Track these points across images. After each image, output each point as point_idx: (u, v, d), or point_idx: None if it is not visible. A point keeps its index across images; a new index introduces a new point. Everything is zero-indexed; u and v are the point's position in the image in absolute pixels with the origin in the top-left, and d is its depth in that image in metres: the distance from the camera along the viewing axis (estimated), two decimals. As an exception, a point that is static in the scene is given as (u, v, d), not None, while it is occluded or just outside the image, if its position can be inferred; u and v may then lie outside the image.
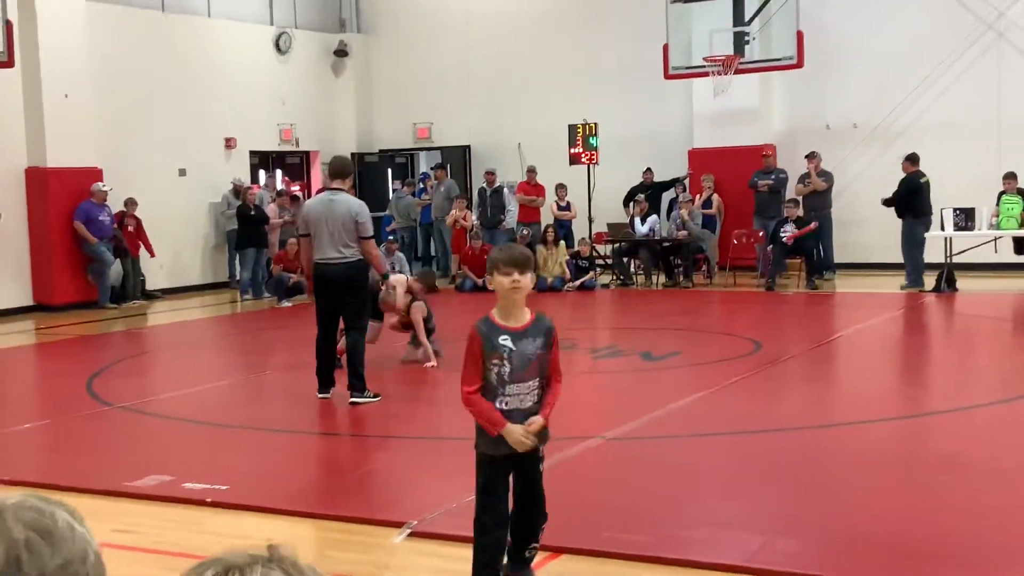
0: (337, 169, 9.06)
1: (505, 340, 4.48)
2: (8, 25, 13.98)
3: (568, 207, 18.98)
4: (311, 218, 8.90)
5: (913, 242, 15.78)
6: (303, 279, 16.66)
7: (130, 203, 17.35)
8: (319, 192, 9.61)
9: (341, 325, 9.24)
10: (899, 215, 15.95)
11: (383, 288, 10.25)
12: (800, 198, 17.22)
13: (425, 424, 8.82)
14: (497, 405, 4.49)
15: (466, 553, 4.59)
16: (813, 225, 16.41)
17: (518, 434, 4.46)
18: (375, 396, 9.00)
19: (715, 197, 18.49)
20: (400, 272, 14.08)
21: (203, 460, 7.41)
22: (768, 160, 17.92)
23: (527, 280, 4.49)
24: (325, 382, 9.16)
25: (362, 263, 8.95)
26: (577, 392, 10.11)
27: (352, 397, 8.92)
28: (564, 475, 6.73)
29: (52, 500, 1.42)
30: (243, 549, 1.38)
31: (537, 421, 4.51)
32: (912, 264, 15.87)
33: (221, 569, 1.33)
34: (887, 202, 16.00)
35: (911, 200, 15.78)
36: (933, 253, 15.93)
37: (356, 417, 8.77)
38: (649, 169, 19.04)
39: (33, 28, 16.10)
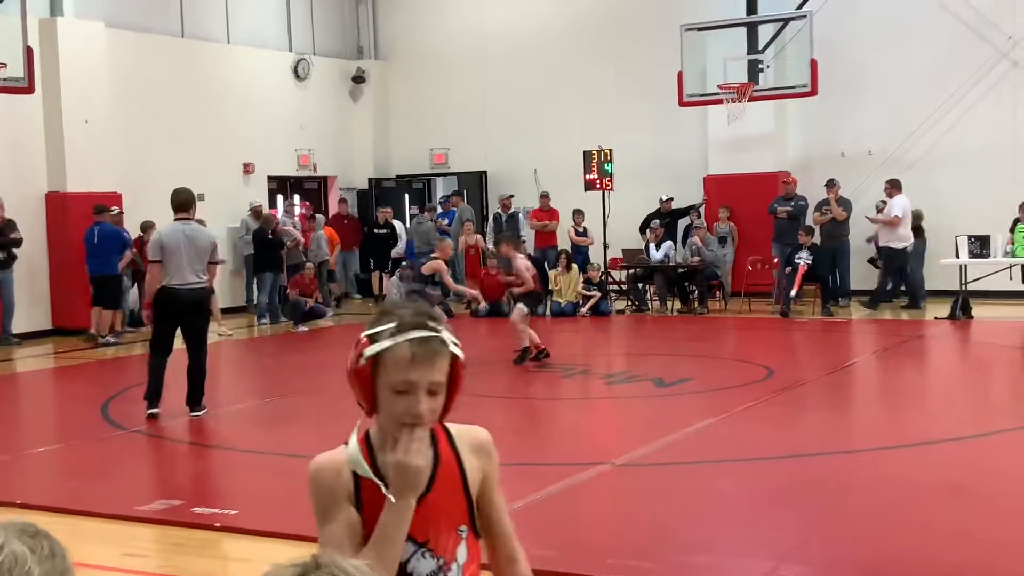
0: (183, 201, 9.81)
1: None
2: (29, 51, 14.12)
3: (585, 233, 19.00)
4: (169, 246, 9.48)
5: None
6: (305, 300, 16.78)
7: (148, 228, 17.32)
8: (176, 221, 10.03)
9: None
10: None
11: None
12: (815, 226, 17.24)
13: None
14: None
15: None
16: (803, 267, 16.32)
17: None
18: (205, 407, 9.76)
19: (730, 224, 18.54)
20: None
21: (214, 485, 7.45)
22: (788, 187, 17.89)
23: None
24: (156, 398, 9.70)
25: (209, 289, 9.73)
26: (588, 418, 10.15)
27: (194, 412, 9.61)
28: (571, 501, 6.76)
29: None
30: (288, 562, 1.44)
31: None
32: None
33: None
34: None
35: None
36: (948, 280, 15.94)
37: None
38: (671, 198, 19.00)
39: (54, 54, 16.27)
